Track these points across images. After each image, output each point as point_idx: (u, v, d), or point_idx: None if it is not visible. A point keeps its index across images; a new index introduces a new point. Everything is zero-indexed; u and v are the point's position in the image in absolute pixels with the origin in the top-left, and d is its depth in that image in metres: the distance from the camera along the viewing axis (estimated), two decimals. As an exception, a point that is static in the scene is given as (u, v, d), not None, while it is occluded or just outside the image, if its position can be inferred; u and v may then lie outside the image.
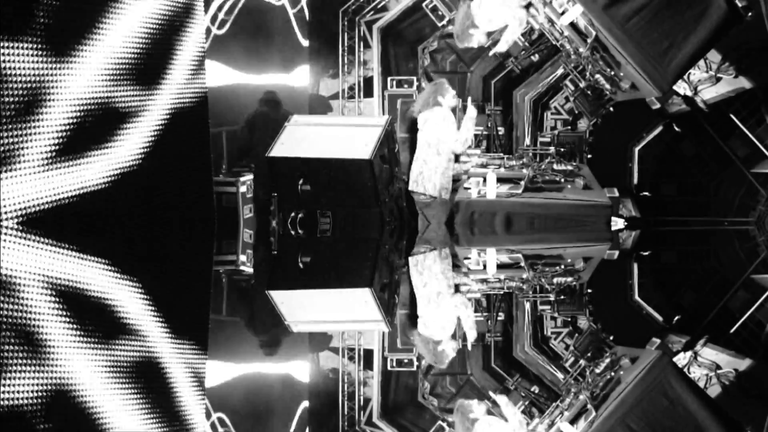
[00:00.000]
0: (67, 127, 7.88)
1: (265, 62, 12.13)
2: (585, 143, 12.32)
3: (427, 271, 10.97)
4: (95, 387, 7.30)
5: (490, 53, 11.34)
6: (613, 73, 10.32)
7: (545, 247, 11.75)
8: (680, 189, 12.70)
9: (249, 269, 11.12)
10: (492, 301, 11.13)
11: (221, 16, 10.97)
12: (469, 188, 11.31)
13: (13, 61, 7.25)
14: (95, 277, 8.25)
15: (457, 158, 11.46)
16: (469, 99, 11.52)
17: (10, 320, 6.90)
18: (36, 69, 7.49)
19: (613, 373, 9.57)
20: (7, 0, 7.16)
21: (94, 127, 8.17)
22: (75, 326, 7.35)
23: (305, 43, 12.56)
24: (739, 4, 9.30)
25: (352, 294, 10.26)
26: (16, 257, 7.54)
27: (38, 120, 7.55)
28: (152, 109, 8.77)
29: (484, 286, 10.96)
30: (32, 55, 7.42)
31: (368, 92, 12.47)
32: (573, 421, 8.76)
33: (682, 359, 10.53)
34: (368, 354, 11.22)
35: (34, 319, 7.04)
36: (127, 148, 8.60)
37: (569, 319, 11.49)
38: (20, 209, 7.56)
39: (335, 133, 11.15)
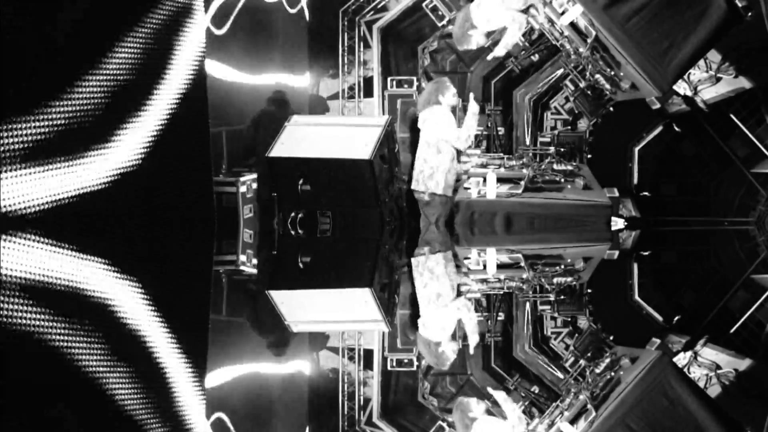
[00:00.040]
0: (68, 126, 7.89)
1: (265, 62, 12.12)
2: (585, 143, 12.32)
3: (429, 272, 10.97)
4: (95, 387, 7.31)
5: (489, 57, 11.35)
6: (613, 73, 10.32)
7: (545, 247, 11.75)
8: (680, 189, 12.70)
9: (249, 269, 11.12)
10: (492, 301, 11.13)
11: (221, 16, 10.97)
12: (469, 188, 11.31)
13: (13, 62, 7.26)
14: (95, 276, 8.25)
15: (458, 156, 11.46)
16: (471, 95, 11.52)
17: (11, 320, 6.90)
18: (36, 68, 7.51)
19: (613, 373, 9.57)
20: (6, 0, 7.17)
21: (94, 127, 8.17)
22: (75, 326, 7.36)
23: (305, 43, 12.57)
24: (739, 4, 9.30)
25: (352, 294, 10.26)
26: (17, 257, 7.54)
27: (39, 119, 7.56)
28: (152, 109, 8.78)
29: (484, 286, 10.96)
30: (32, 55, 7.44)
31: (368, 92, 12.47)
32: (573, 421, 8.76)
33: (682, 359, 10.53)
34: (368, 354, 11.22)
35: (34, 319, 7.05)
36: (127, 148, 8.60)
37: (569, 319, 11.49)
38: (20, 209, 7.57)
39: (335, 133, 11.15)
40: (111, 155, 8.42)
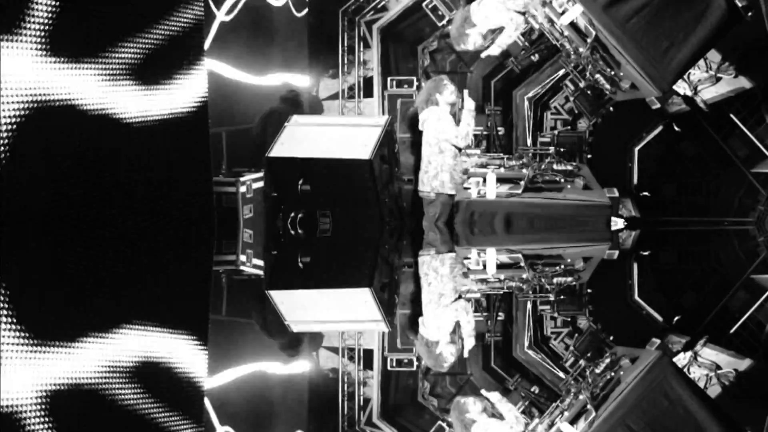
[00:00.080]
0: (68, 126, 7.89)
1: (264, 62, 12.12)
2: (585, 143, 12.31)
3: (434, 272, 10.98)
4: (96, 385, 7.31)
5: (482, 55, 11.36)
6: (613, 73, 10.31)
7: (545, 247, 11.74)
8: (680, 189, 12.68)
9: (249, 269, 11.12)
10: (492, 301, 11.13)
11: (221, 16, 10.96)
12: (469, 188, 11.31)
13: (14, 62, 7.25)
14: (95, 276, 8.25)
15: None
16: (465, 92, 11.53)
17: (11, 318, 6.90)
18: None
19: (613, 374, 9.57)
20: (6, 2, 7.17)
21: (95, 126, 8.17)
22: (75, 325, 7.35)
23: (305, 43, 12.56)
24: (739, 4, 9.29)
25: (352, 294, 10.26)
26: (17, 257, 7.54)
27: (40, 120, 7.55)
28: (152, 108, 8.77)
29: (484, 286, 10.96)
30: (33, 56, 7.42)
31: (368, 92, 12.47)
32: (573, 422, 8.76)
33: (682, 359, 10.53)
34: (368, 354, 11.22)
35: (34, 317, 7.05)
36: (126, 148, 8.59)
37: (569, 319, 11.49)
38: (21, 208, 7.56)
39: (335, 134, 11.15)
40: (111, 155, 8.42)
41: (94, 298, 7.79)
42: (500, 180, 11.36)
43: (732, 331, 11.49)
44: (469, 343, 9.98)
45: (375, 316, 9.81)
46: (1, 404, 6.46)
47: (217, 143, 11.15)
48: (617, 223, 11.59)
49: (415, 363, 11.02)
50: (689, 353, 10.64)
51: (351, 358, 11.20)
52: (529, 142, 12.33)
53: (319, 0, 12.43)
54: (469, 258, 11.36)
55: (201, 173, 9.47)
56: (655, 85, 9.74)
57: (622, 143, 12.58)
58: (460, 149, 11.36)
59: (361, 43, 12.44)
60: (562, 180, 11.58)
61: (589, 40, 9.92)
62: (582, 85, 11.30)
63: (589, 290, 11.39)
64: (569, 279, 11.05)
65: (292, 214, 11.03)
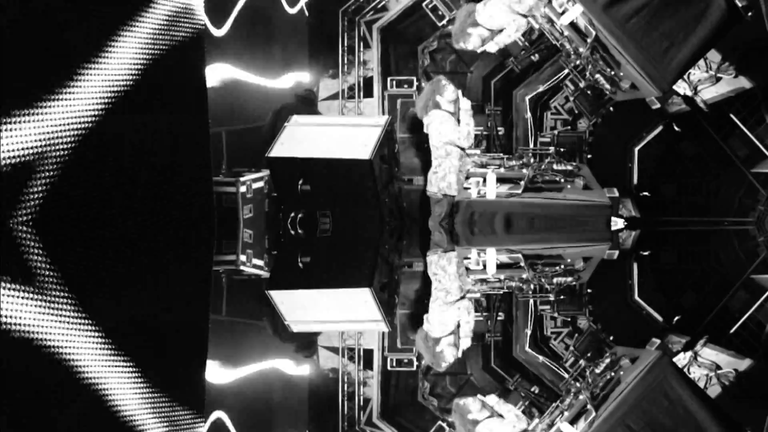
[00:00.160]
0: (68, 126, 7.88)
1: (264, 63, 12.12)
2: (585, 143, 12.31)
3: (441, 270, 11.01)
4: (97, 382, 7.32)
5: (479, 50, 11.37)
6: (613, 73, 10.32)
7: (545, 247, 11.74)
8: (680, 189, 12.68)
9: (249, 269, 11.11)
10: (492, 301, 11.14)
11: (220, 16, 10.95)
12: (469, 188, 11.32)
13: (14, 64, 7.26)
14: (95, 275, 8.25)
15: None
16: (459, 92, 11.56)
17: (12, 320, 6.90)
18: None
19: (613, 374, 9.58)
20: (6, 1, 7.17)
21: (94, 125, 8.16)
22: (77, 323, 7.36)
23: (305, 43, 12.55)
24: (739, 4, 9.29)
25: (352, 294, 10.27)
26: (18, 256, 7.54)
27: (41, 118, 7.55)
28: (153, 108, 8.77)
29: (484, 286, 10.96)
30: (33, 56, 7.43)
31: (368, 92, 12.46)
32: (573, 422, 8.76)
33: (682, 359, 10.53)
34: (368, 354, 11.22)
35: (38, 313, 7.06)
36: (128, 148, 8.59)
37: (569, 319, 11.49)
38: (24, 207, 7.56)
39: (335, 134, 11.16)
40: (111, 155, 8.41)
41: (94, 298, 7.79)
42: (500, 180, 11.37)
43: (732, 331, 11.49)
44: (465, 343, 10.01)
45: (375, 316, 9.82)
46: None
47: (217, 143, 11.14)
48: (617, 223, 11.59)
49: (415, 363, 11.02)
50: (689, 353, 10.64)
51: (351, 358, 11.20)
52: (531, 143, 12.33)
53: (319, 0, 12.43)
54: (469, 258, 11.37)
55: (201, 173, 9.47)
56: (655, 85, 9.74)
57: (622, 143, 12.58)
58: (463, 149, 11.41)
59: (361, 43, 12.44)
60: (562, 180, 11.59)
61: (589, 40, 9.93)
62: (582, 85, 11.30)
63: (589, 290, 11.39)
64: (569, 279, 11.06)
65: (292, 214, 11.03)
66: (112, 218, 8.46)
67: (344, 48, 12.42)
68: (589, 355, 10.79)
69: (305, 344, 10.37)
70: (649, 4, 9.37)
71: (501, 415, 9.26)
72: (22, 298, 7.08)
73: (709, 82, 11.59)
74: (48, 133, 7.59)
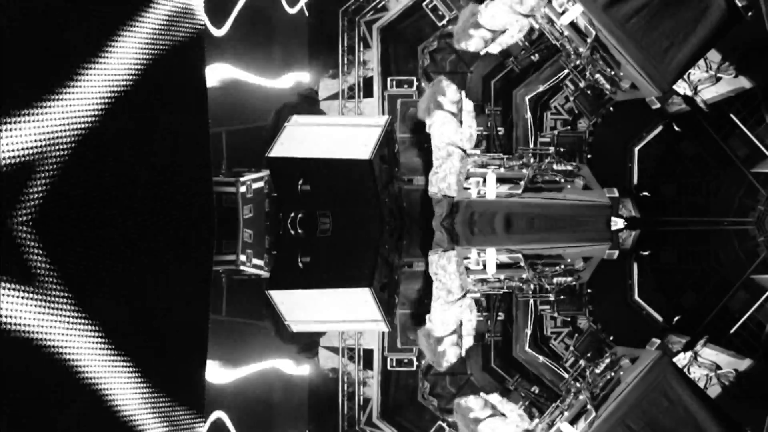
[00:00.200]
0: (68, 126, 7.88)
1: (264, 63, 12.11)
2: (585, 143, 12.31)
3: (442, 270, 11.01)
4: (97, 382, 7.31)
5: (482, 52, 11.38)
6: (613, 73, 10.32)
7: (545, 247, 11.75)
8: (680, 189, 12.68)
9: (249, 269, 11.12)
10: (492, 301, 11.14)
11: (221, 17, 10.95)
12: (469, 188, 11.32)
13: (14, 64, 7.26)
14: (95, 275, 8.25)
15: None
16: (462, 93, 11.57)
17: (12, 320, 6.90)
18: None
19: (613, 374, 9.58)
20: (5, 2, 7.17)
21: (94, 125, 8.16)
22: (76, 323, 7.36)
23: (305, 43, 12.56)
24: (739, 4, 9.29)
25: (352, 294, 10.26)
26: (18, 256, 7.53)
27: (41, 118, 7.55)
28: (153, 108, 8.77)
29: (484, 286, 10.97)
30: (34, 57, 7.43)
31: (368, 92, 12.46)
32: (573, 422, 8.77)
33: (682, 359, 10.53)
34: (368, 354, 11.22)
35: (38, 313, 7.05)
36: (128, 148, 8.59)
37: (569, 319, 11.49)
38: (24, 207, 7.56)
39: (335, 134, 11.15)
40: (112, 156, 8.41)
41: (94, 298, 7.79)
42: (500, 180, 11.37)
43: (732, 331, 11.49)
44: (467, 342, 10.00)
45: (375, 315, 9.82)
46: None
47: (217, 143, 11.14)
48: (617, 223, 11.59)
49: (415, 363, 11.02)
50: (689, 353, 10.64)
51: (351, 358, 11.20)
52: (531, 143, 12.33)
53: (319, 0, 12.43)
54: (469, 258, 11.37)
55: (201, 173, 9.47)
56: (655, 85, 9.74)
57: (622, 143, 12.57)
58: (465, 151, 11.43)
59: (361, 43, 12.44)
60: (562, 180, 11.59)
61: (589, 40, 9.93)
62: (582, 85, 11.30)
63: (589, 290, 11.39)
64: (569, 279, 11.06)
65: (292, 214, 11.03)
66: (112, 218, 8.45)
67: (344, 48, 12.42)
68: (589, 355, 10.80)
69: (307, 345, 10.38)
70: (649, 4, 9.37)
71: (503, 414, 9.26)
72: (22, 298, 7.07)
73: (709, 82, 11.59)
74: (48, 133, 7.58)
